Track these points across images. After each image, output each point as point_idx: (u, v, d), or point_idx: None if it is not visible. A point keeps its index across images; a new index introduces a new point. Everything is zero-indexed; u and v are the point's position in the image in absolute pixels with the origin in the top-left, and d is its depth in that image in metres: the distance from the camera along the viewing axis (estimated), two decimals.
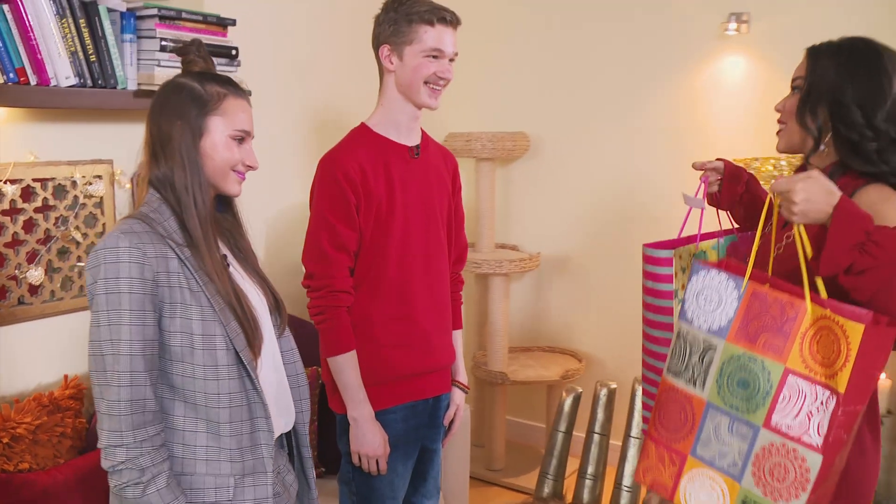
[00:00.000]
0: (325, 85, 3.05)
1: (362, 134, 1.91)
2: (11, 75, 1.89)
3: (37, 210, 2.11)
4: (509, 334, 3.52)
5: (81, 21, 2.01)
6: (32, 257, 2.12)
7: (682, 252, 1.58)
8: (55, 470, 1.86)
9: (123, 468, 1.28)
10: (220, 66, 2.10)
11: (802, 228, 1.26)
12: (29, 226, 2.10)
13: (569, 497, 2.54)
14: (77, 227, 2.20)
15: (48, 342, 2.17)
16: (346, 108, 3.04)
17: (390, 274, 1.88)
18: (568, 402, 2.50)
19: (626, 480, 2.40)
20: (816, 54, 1.46)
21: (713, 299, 1.35)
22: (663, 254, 1.53)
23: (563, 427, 2.50)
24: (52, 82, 1.96)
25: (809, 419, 1.21)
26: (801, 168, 1.54)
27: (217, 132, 1.40)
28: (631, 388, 2.45)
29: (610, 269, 3.46)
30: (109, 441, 1.28)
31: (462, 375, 2.12)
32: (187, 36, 2.07)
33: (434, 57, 1.84)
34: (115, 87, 2.10)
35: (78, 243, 2.21)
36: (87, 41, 2.03)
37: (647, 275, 1.56)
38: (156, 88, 2.09)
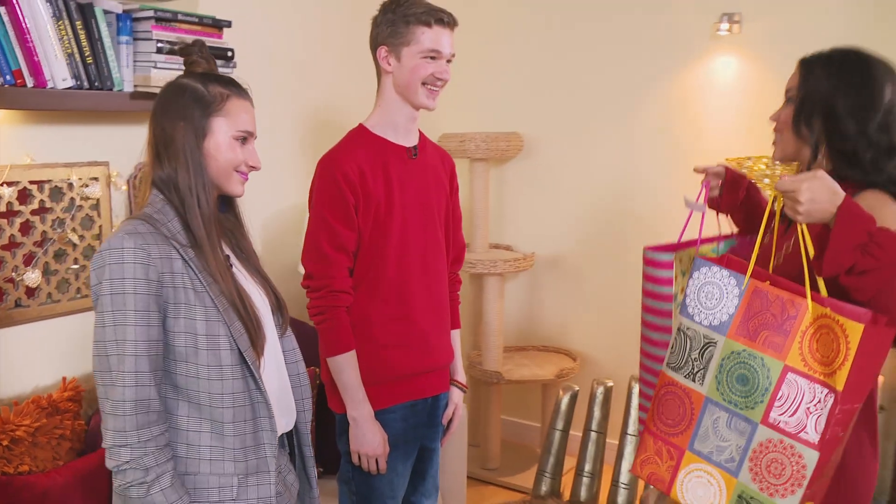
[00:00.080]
0: (321, 86, 3.05)
1: (361, 135, 1.92)
2: (8, 77, 1.89)
3: (33, 212, 2.11)
4: (504, 334, 3.54)
5: (78, 23, 2.01)
6: (29, 259, 2.11)
7: (683, 255, 1.59)
8: (55, 472, 1.86)
9: (128, 468, 1.28)
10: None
11: (805, 228, 1.27)
12: (25, 228, 2.10)
13: (566, 495, 2.55)
14: (73, 230, 2.20)
15: (45, 344, 2.16)
16: (342, 110, 3.05)
17: (389, 274, 1.89)
18: (565, 400, 2.51)
19: (624, 478, 2.41)
20: (809, 66, 1.47)
21: (714, 295, 1.37)
22: (664, 257, 1.54)
23: (560, 425, 2.51)
24: (49, 84, 1.96)
25: (807, 416, 1.22)
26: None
27: (220, 133, 1.40)
28: (627, 385, 2.46)
29: (603, 268, 3.48)
30: (114, 441, 1.28)
31: (460, 375, 2.13)
32: (183, 38, 2.07)
33: (432, 58, 1.85)
34: (111, 89, 2.10)
35: (74, 245, 2.21)
36: (84, 43, 2.03)
37: (647, 277, 1.57)
38: (152, 90, 2.12)
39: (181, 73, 1.49)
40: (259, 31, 2.74)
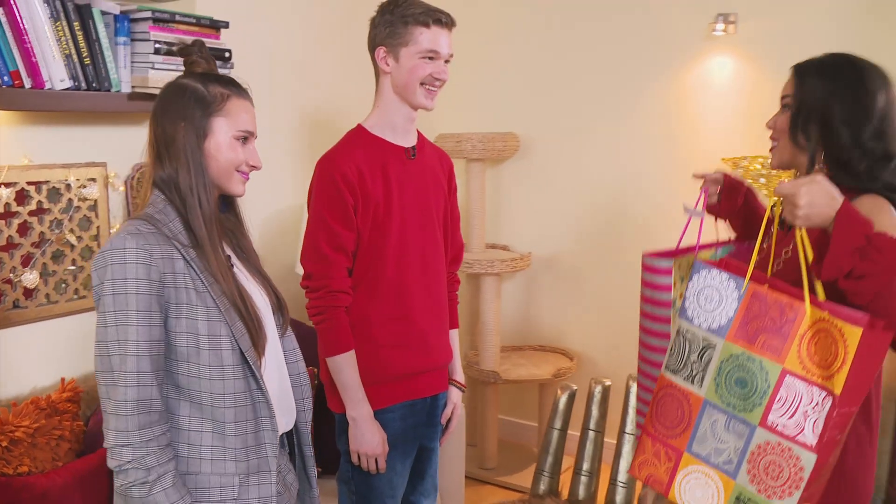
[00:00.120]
0: (319, 87, 3.05)
1: (359, 135, 1.92)
2: (6, 78, 1.89)
3: (31, 213, 2.11)
4: (501, 334, 3.54)
5: (75, 24, 2.01)
6: (27, 261, 2.11)
7: (682, 262, 1.59)
8: (54, 473, 1.86)
9: (130, 468, 1.28)
10: None
11: (804, 232, 1.28)
12: (23, 229, 2.10)
13: (564, 493, 2.56)
14: (71, 230, 2.20)
15: (43, 345, 2.16)
16: (339, 111, 3.05)
17: (388, 274, 1.90)
18: (563, 399, 2.52)
19: (622, 476, 2.42)
20: (802, 73, 1.48)
21: (713, 298, 1.37)
22: (663, 264, 1.53)
23: (558, 424, 2.51)
24: (47, 85, 1.96)
25: (805, 419, 1.23)
26: None
27: (221, 133, 1.40)
28: (625, 385, 2.47)
29: (600, 267, 3.49)
30: (116, 441, 1.28)
31: (459, 374, 2.14)
32: (181, 39, 2.07)
33: (430, 58, 1.85)
34: (109, 90, 2.10)
35: (72, 246, 2.21)
36: (82, 44, 2.03)
37: (646, 284, 1.56)
38: (150, 91, 2.12)
39: (179, 73, 1.49)
40: (256, 31, 2.74)
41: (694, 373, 1.38)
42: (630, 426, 2.43)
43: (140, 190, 2.30)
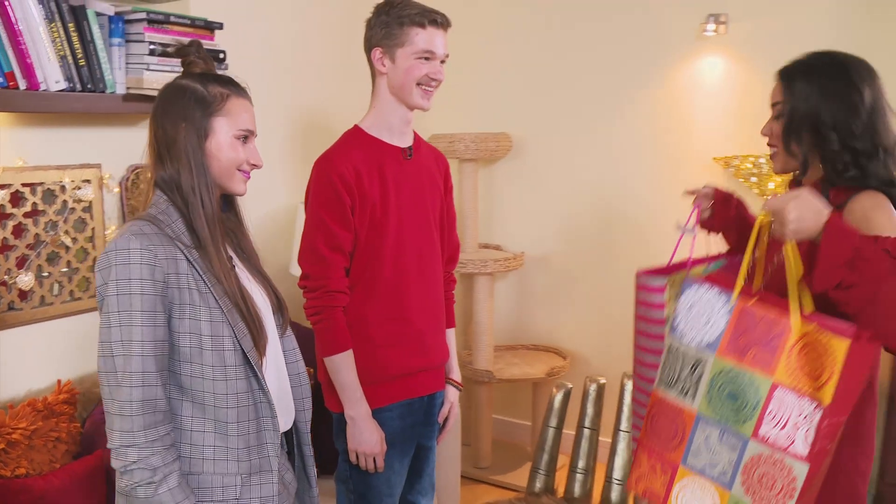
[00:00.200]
0: (313, 88, 3.06)
1: (356, 136, 1.93)
2: (0, 80, 1.88)
3: (26, 215, 2.10)
4: (494, 333, 3.56)
5: (70, 25, 2.01)
6: (22, 262, 2.10)
7: (675, 279, 1.59)
8: (51, 475, 1.86)
9: (135, 468, 1.28)
10: None
11: (793, 245, 1.30)
12: (18, 231, 2.09)
13: (560, 491, 2.58)
14: (66, 232, 2.20)
15: (39, 347, 2.16)
16: (334, 112, 3.06)
17: (385, 274, 1.90)
18: (558, 397, 2.53)
19: (617, 474, 2.44)
20: (789, 78, 1.49)
21: (703, 314, 1.38)
22: (657, 282, 1.54)
23: (553, 423, 2.53)
24: (42, 86, 1.96)
25: (796, 430, 1.25)
26: (793, 182, 1.58)
27: (222, 133, 1.41)
28: (620, 383, 2.49)
29: (593, 267, 3.50)
30: (121, 441, 1.28)
31: (456, 373, 2.15)
32: (176, 40, 2.07)
33: (426, 59, 1.86)
34: (104, 91, 2.10)
35: (67, 248, 2.20)
36: (76, 45, 2.02)
37: (640, 302, 1.56)
38: (145, 92, 2.12)
39: (174, 74, 1.49)
40: (250, 32, 2.74)
41: (687, 387, 1.39)
42: (625, 424, 2.45)
43: (137, 191, 2.30)
